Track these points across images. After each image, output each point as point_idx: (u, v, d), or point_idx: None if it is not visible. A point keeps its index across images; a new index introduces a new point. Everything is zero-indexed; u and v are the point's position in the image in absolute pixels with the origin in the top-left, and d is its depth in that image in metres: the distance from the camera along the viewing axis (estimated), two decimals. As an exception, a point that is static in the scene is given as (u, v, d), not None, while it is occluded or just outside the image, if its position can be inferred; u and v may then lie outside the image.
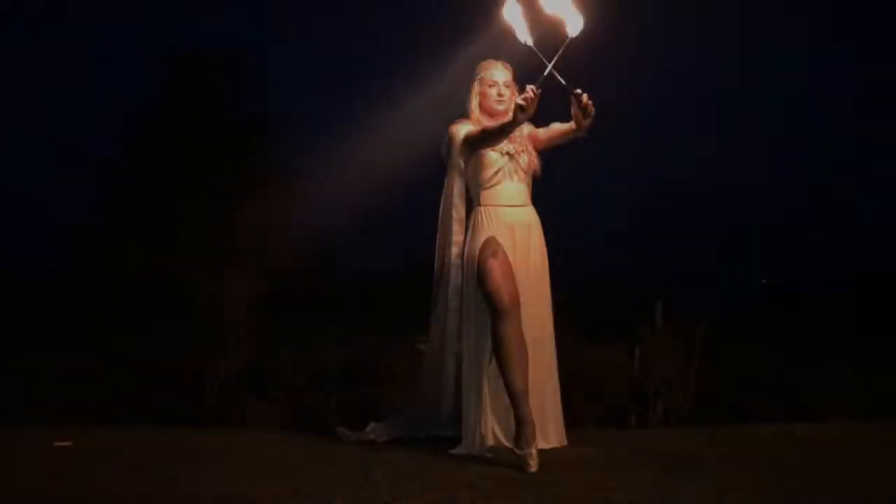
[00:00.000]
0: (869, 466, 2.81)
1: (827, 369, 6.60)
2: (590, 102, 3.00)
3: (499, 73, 3.27)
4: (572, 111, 3.06)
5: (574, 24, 2.90)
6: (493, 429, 3.22)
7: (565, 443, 3.28)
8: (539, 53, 2.99)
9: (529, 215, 3.26)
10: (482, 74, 3.29)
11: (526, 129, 3.30)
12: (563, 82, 2.97)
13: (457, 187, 3.33)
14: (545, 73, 2.93)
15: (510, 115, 2.95)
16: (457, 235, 3.32)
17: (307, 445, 3.46)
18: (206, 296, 4.95)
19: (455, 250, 3.31)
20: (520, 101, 2.85)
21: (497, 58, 3.31)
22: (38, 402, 5.09)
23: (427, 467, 2.89)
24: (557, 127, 3.27)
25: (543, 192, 3.34)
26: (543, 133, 3.31)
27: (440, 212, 3.41)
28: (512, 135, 3.20)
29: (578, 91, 2.99)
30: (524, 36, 3.01)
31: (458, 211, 3.34)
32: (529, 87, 2.87)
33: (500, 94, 3.25)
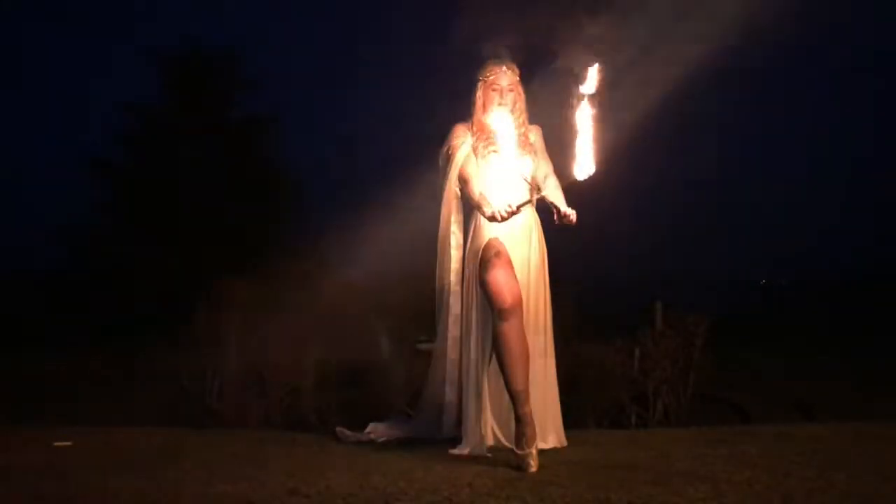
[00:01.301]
0: (869, 466, 2.81)
1: (827, 369, 6.62)
2: (570, 216, 3.01)
3: (503, 78, 3.28)
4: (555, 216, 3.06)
5: (584, 168, 2.93)
6: (493, 429, 3.22)
7: (565, 443, 3.28)
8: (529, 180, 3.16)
9: (530, 217, 3.27)
10: (487, 77, 3.30)
11: (532, 136, 3.31)
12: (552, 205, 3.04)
13: (454, 216, 3.37)
14: (529, 200, 3.09)
15: (488, 210, 3.02)
16: (455, 263, 3.36)
17: (307, 445, 3.46)
18: (207, 295, 4.95)
19: (454, 278, 3.34)
20: (496, 215, 2.94)
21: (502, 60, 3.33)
22: (37, 402, 5.09)
23: (427, 467, 2.88)
24: (547, 192, 3.16)
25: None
26: (539, 181, 3.25)
27: (438, 236, 3.43)
28: (521, 141, 3.25)
29: (559, 208, 3.01)
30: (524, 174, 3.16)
31: (456, 238, 3.37)
32: (508, 205, 2.95)
33: (502, 96, 3.27)
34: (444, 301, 3.39)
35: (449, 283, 3.35)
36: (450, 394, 3.36)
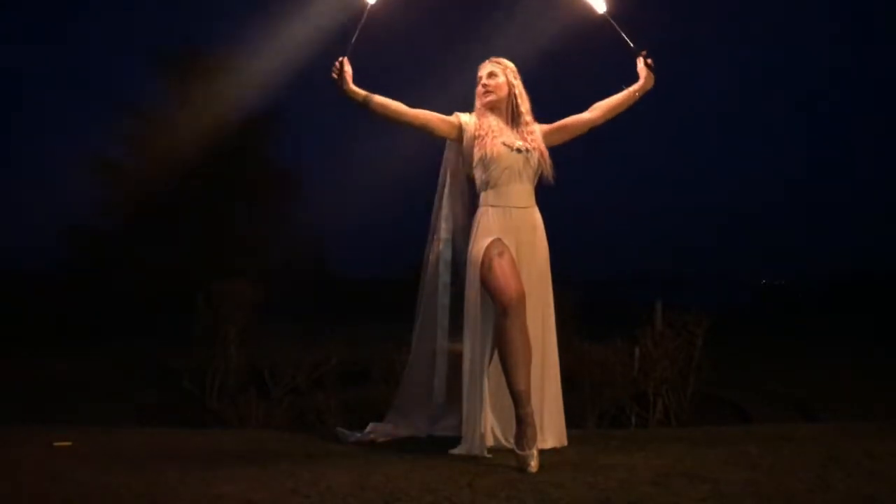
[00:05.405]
0: (869, 466, 2.81)
1: (826, 369, 6.62)
2: (647, 59, 3.38)
3: (483, 69, 3.36)
4: (640, 69, 3.39)
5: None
6: (493, 429, 3.21)
7: (565, 443, 3.28)
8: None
9: (535, 217, 3.27)
10: (477, 75, 3.38)
11: (538, 127, 3.34)
12: (632, 45, 3.39)
13: (449, 173, 3.44)
14: (351, 42, 3.22)
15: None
16: (444, 232, 3.42)
17: (307, 445, 3.46)
18: (207, 295, 4.95)
19: (442, 268, 3.40)
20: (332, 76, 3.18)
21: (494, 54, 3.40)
22: (37, 402, 5.09)
23: (427, 467, 2.88)
24: (609, 101, 3.40)
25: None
26: (572, 121, 3.39)
27: (434, 205, 3.48)
28: (524, 133, 3.28)
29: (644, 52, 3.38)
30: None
31: (447, 222, 3.42)
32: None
33: (484, 86, 3.32)
34: (428, 290, 3.43)
35: (437, 249, 3.41)
36: (439, 386, 3.38)
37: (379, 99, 3.22)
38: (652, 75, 3.40)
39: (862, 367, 6.62)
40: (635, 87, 3.41)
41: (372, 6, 3.26)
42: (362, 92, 3.21)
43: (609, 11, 3.41)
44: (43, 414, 4.55)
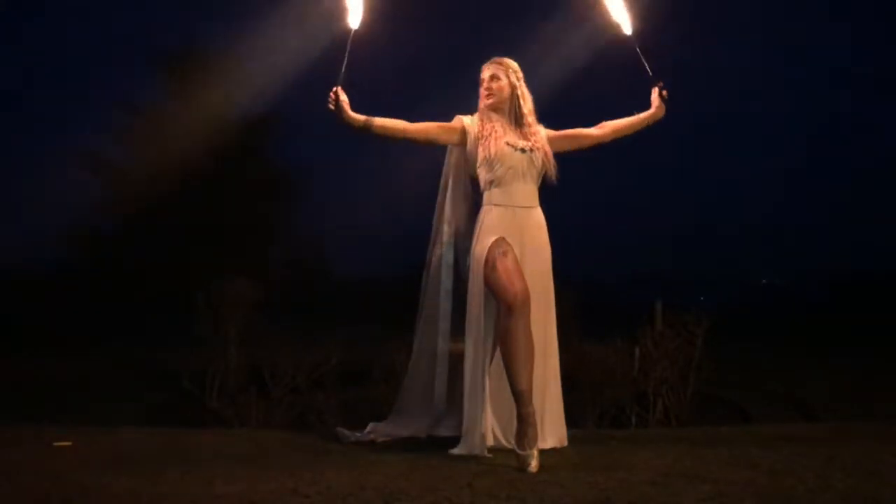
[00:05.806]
0: (869, 467, 2.81)
1: (826, 369, 6.62)
2: (662, 90, 3.40)
3: (485, 71, 3.33)
4: (653, 98, 3.40)
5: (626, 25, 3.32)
6: (493, 429, 3.21)
7: (566, 443, 3.28)
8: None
9: (538, 217, 3.27)
10: (480, 76, 3.36)
11: (542, 129, 3.34)
12: (650, 73, 3.40)
13: (452, 176, 3.42)
14: (342, 70, 3.16)
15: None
16: (446, 235, 3.40)
17: (307, 445, 3.46)
18: (207, 295, 4.95)
19: (443, 249, 3.39)
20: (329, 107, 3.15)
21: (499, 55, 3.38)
22: (37, 402, 5.09)
23: (427, 467, 2.88)
24: (618, 122, 3.41)
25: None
26: (579, 133, 3.40)
27: (436, 207, 3.47)
28: (528, 133, 3.27)
29: (661, 84, 3.40)
30: None
31: (449, 224, 3.40)
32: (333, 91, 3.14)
33: (486, 89, 3.30)
34: (429, 293, 3.42)
35: (440, 253, 3.40)
36: (441, 366, 3.38)
37: (379, 122, 3.21)
38: (664, 106, 3.42)
39: (862, 367, 6.62)
40: (646, 114, 3.43)
41: (356, 31, 3.21)
42: (361, 117, 3.19)
43: (635, 34, 3.42)
44: (43, 414, 4.55)
